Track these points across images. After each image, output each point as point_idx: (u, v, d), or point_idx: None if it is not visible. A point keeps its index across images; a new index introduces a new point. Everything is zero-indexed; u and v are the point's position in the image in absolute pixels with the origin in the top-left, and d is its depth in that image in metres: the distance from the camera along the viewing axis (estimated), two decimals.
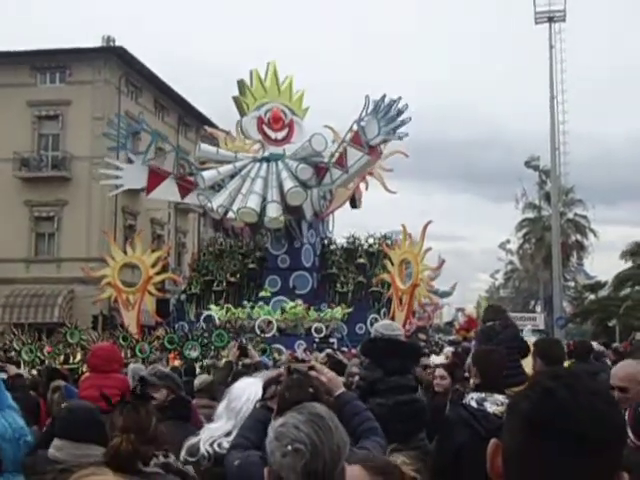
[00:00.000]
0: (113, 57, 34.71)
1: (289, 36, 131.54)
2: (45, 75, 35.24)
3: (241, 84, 25.71)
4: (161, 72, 37.92)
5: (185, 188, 25.61)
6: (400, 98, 22.65)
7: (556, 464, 1.18)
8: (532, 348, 5.44)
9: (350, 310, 24.47)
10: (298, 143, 25.26)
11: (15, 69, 34.22)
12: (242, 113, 25.70)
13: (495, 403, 4.08)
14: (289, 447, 2.05)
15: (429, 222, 23.12)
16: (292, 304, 23.96)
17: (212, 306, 24.68)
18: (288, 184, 23.97)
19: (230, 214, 24.35)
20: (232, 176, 25.08)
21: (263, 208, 24.02)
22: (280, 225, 24.56)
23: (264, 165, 25.08)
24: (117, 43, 35.11)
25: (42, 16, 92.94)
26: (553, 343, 6.11)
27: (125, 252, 25.34)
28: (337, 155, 24.16)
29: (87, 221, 33.16)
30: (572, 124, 40.70)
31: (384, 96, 22.69)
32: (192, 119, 42.15)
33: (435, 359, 11.02)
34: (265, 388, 3.45)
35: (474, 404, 4.34)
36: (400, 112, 22.47)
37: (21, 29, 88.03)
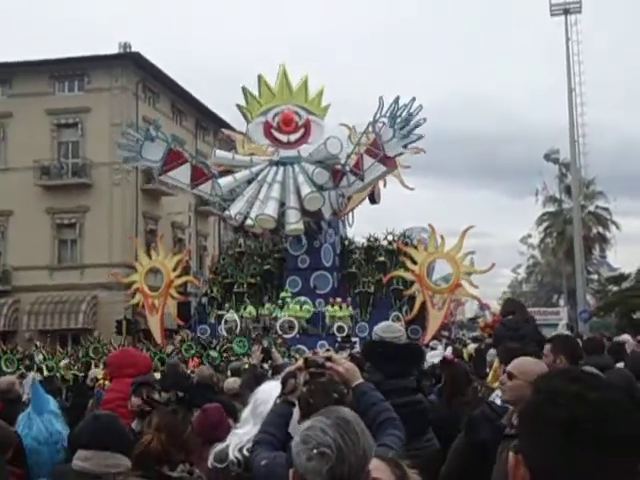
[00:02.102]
0: (130, 63, 34.95)
1: (303, 35, 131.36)
2: (63, 83, 35.55)
3: (245, 91, 25.71)
4: (178, 77, 38.17)
5: (198, 177, 25.38)
6: (414, 99, 22.72)
7: (595, 468, 1.15)
8: (552, 345, 5.20)
9: (352, 312, 24.54)
10: (316, 143, 25.24)
11: (34, 78, 34.57)
12: (247, 120, 25.80)
13: None
14: (315, 451, 2.04)
15: (470, 227, 23.40)
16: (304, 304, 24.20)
17: (227, 314, 24.75)
18: (305, 189, 23.95)
19: (248, 221, 24.36)
20: (249, 181, 25.07)
21: (282, 214, 24.10)
22: (300, 232, 24.70)
23: (280, 169, 25.05)
24: (133, 49, 35.39)
25: (59, 25, 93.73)
26: (575, 340, 6.07)
27: (150, 257, 25.55)
28: (353, 161, 24.26)
29: (109, 227, 33.43)
30: (591, 116, 40.62)
31: (398, 98, 22.79)
32: (209, 123, 42.32)
33: (432, 357, 10.97)
34: (284, 382, 3.45)
35: (498, 401, 4.35)
36: (411, 115, 22.63)
37: (39, 39, 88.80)
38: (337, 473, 2.04)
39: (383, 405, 3.38)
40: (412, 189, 27.55)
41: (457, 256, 23.09)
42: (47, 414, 4.89)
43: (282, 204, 24.29)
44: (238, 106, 25.92)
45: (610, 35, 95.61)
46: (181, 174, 25.47)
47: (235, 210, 24.22)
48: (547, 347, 5.18)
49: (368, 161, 23.56)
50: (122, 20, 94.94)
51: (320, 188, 24.11)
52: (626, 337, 13.10)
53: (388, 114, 22.85)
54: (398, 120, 22.66)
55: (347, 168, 24.19)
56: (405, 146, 23.23)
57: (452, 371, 7.18)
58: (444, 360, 8.20)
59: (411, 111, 22.62)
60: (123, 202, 32.47)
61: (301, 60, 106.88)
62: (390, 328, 4.56)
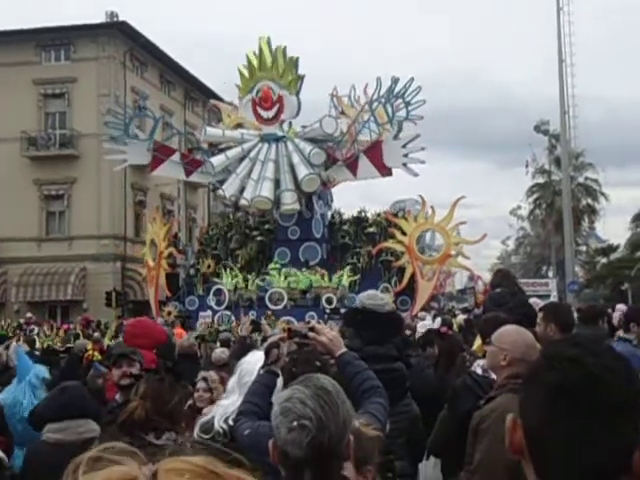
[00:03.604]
0: (117, 33, 34.52)
1: (293, 6, 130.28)
2: (50, 53, 35.12)
3: (239, 71, 25.51)
4: (166, 47, 37.75)
5: (190, 167, 25.53)
6: (412, 79, 22.78)
7: (589, 432, 1.14)
8: (542, 313, 5.18)
9: (356, 277, 24.50)
10: (289, 118, 25.14)
11: (19, 47, 34.09)
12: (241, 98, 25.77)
13: None
14: (295, 423, 2.05)
15: (461, 197, 23.34)
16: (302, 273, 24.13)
17: (223, 274, 24.69)
18: (302, 171, 23.88)
19: (243, 202, 24.33)
20: (241, 159, 24.95)
21: (278, 195, 24.13)
22: (296, 211, 24.72)
23: (272, 146, 24.87)
24: (120, 18, 34.94)
25: None
26: (567, 309, 6.04)
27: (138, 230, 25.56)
28: (348, 148, 24.30)
29: (97, 198, 33.23)
30: (581, 88, 40.50)
31: (397, 79, 22.83)
32: (198, 93, 41.97)
33: (422, 327, 11.03)
34: (267, 352, 3.44)
35: (479, 371, 4.35)
36: (404, 94, 22.72)
37: (24, 7, 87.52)
38: (317, 443, 2.04)
39: (367, 373, 3.39)
40: (417, 175, 25.00)
41: (447, 227, 23.04)
42: (24, 383, 4.91)
43: (277, 183, 24.25)
44: (238, 86, 25.85)
45: (600, 8, 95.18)
46: (172, 169, 25.60)
47: (230, 191, 24.17)
48: (539, 315, 5.15)
49: (364, 161, 23.72)
50: None
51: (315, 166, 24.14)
52: (622, 307, 13.13)
53: (386, 93, 22.95)
54: (394, 100, 22.76)
55: (341, 155, 24.26)
56: (405, 164, 23.23)
57: (447, 344, 7.22)
58: (439, 332, 8.22)
59: (410, 91, 22.72)
60: (111, 173, 32.17)
61: (294, 30, 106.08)
62: (373, 296, 4.54)
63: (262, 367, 3.44)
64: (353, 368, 3.39)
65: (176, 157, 25.53)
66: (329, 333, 3.51)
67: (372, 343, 4.17)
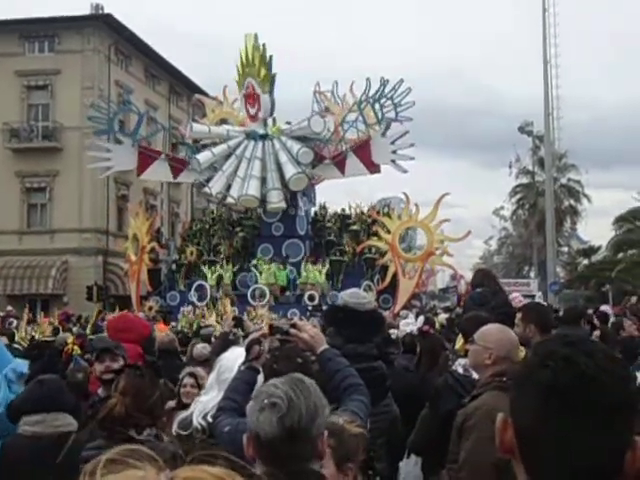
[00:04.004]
0: (102, 25, 34.27)
1: (279, 3, 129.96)
2: (34, 44, 34.79)
3: (237, 69, 25.54)
4: (151, 41, 37.51)
5: (177, 168, 25.45)
6: (402, 81, 22.89)
7: (581, 432, 1.13)
8: (522, 314, 5.10)
9: (325, 269, 24.57)
10: (264, 116, 25.25)
11: (3, 38, 33.76)
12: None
13: None
14: (265, 401, 2.09)
15: (445, 194, 23.33)
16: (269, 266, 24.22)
17: (206, 269, 24.67)
18: (289, 169, 23.90)
19: (229, 199, 24.33)
20: (227, 156, 24.88)
21: (264, 193, 24.13)
22: (282, 210, 24.75)
23: (259, 144, 24.87)
24: (105, 11, 34.67)
25: None
26: (547, 309, 6.02)
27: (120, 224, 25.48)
28: (336, 146, 24.39)
29: (79, 191, 32.98)
30: (566, 89, 40.63)
31: (386, 81, 22.96)
32: (183, 88, 41.76)
33: (405, 325, 11.02)
34: (248, 349, 3.42)
35: (460, 370, 4.35)
36: (393, 96, 22.86)
37: None
38: (287, 422, 2.07)
39: (348, 370, 3.38)
40: (406, 172, 24.89)
41: (431, 224, 23.04)
42: (0, 375, 4.87)
43: (264, 181, 24.26)
44: (236, 82, 25.89)
45: (586, 10, 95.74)
46: (159, 171, 25.55)
47: (216, 188, 24.15)
48: (518, 316, 5.09)
49: (352, 159, 23.78)
50: None
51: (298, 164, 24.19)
52: (606, 308, 13.23)
53: (376, 94, 23.12)
54: (384, 101, 22.90)
55: (328, 152, 24.34)
56: (393, 161, 23.31)
57: (428, 342, 7.20)
58: (420, 331, 8.22)
59: (399, 92, 22.88)
60: (91, 151, 32.04)
61: (278, 25, 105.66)
62: (355, 294, 4.52)
63: (243, 363, 3.42)
64: (334, 365, 3.39)
65: (162, 160, 25.40)
66: (310, 330, 3.50)
67: (353, 341, 4.15)
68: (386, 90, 23.06)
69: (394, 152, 23.20)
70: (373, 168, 23.89)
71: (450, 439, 3.64)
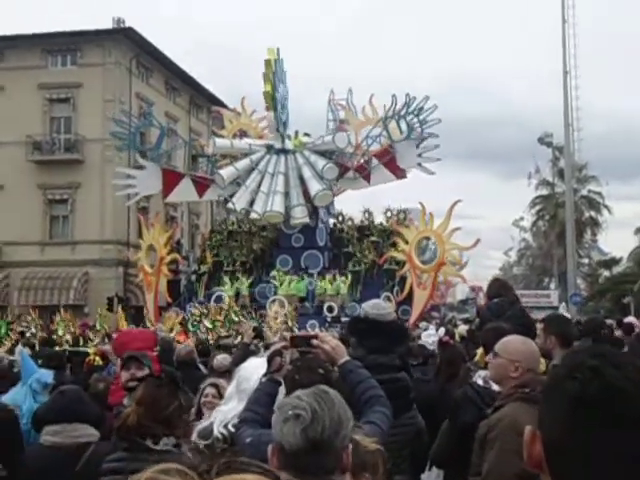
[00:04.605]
0: (123, 39, 34.62)
1: (292, 16, 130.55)
2: (56, 57, 35.22)
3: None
4: (172, 53, 37.85)
5: (202, 185, 25.51)
6: (428, 98, 22.95)
7: (607, 446, 1.11)
8: (543, 325, 5.15)
9: (348, 281, 24.54)
10: (281, 132, 25.28)
11: (26, 52, 34.21)
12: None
13: None
14: (290, 412, 2.10)
15: (457, 201, 23.19)
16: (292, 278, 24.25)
17: (226, 280, 24.77)
18: (314, 185, 23.95)
19: (253, 215, 24.39)
20: (249, 170, 24.94)
21: (288, 208, 24.23)
22: (305, 223, 24.83)
23: (281, 158, 24.92)
24: (127, 24, 35.05)
25: None
26: (568, 321, 5.97)
27: (141, 235, 25.66)
28: (359, 160, 24.46)
29: (100, 203, 33.25)
30: (586, 100, 40.49)
31: (411, 98, 23.09)
32: (203, 100, 42.02)
33: (427, 336, 10.97)
34: (270, 360, 3.43)
35: (480, 382, 4.33)
36: (420, 110, 22.97)
37: (31, 12, 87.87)
38: (311, 434, 2.08)
39: (370, 382, 3.38)
40: (433, 173, 24.74)
41: (443, 234, 22.91)
42: (25, 387, 4.92)
43: (287, 195, 24.37)
44: (264, 93, 26.02)
45: (606, 19, 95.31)
46: (184, 192, 25.64)
47: (240, 204, 24.20)
48: (540, 326, 5.10)
49: (378, 167, 23.86)
50: None
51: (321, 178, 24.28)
52: (632, 319, 13.08)
53: (401, 110, 23.17)
54: (410, 118, 22.99)
55: (351, 164, 24.37)
56: (419, 164, 23.36)
57: (449, 353, 7.19)
58: (440, 342, 8.20)
59: (424, 109, 23.00)
60: (115, 179, 32.35)
61: (290, 38, 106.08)
62: (377, 305, 4.52)
63: (264, 375, 3.44)
64: (356, 377, 3.38)
65: (186, 180, 25.48)
66: (332, 341, 3.50)
67: (375, 352, 4.15)
68: (412, 106, 23.10)
69: (420, 155, 23.26)
70: (400, 173, 23.91)
71: (471, 451, 3.63)
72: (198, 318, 17.31)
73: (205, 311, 17.96)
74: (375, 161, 24.01)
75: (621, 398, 1.12)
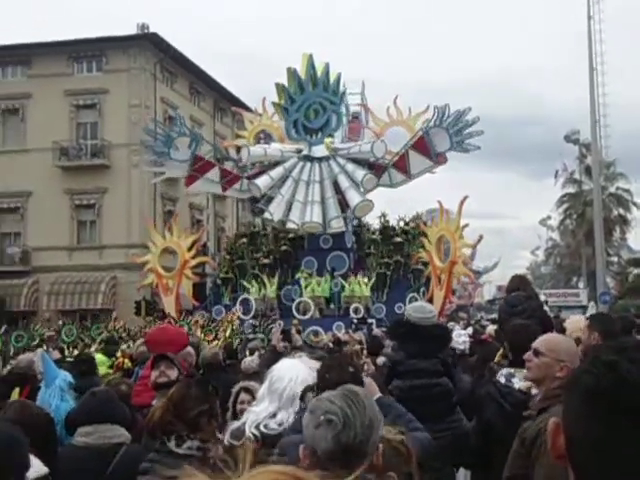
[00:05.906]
0: (148, 44, 34.88)
1: (309, 16, 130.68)
2: (82, 64, 35.59)
3: (278, 87, 25.60)
4: (196, 58, 38.07)
5: (230, 181, 25.65)
6: (470, 109, 22.93)
7: (621, 438, 1.12)
8: (588, 322, 5.45)
9: (371, 282, 24.49)
10: (339, 134, 25.32)
11: (53, 59, 34.64)
12: (285, 118, 25.86)
13: (523, 379, 4.02)
14: (322, 417, 2.11)
15: (465, 197, 23.07)
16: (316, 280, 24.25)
17: (252, 282, 24.81)
18: (354, 196, 23.91)
19: (291, 225, 24.42)
20: (283, 178, 24.97)
21: (326, 217, 24.36)
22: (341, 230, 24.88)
23: (315, 166, 24.88)
24: (151, 30, 35.32)
25: (77, 6, 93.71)
26: (612, 318, 6.08)
27: (164, 237, 25.68)
28: (397, 157, 24.40)
29: (127, 208, 33.53)
30: (613, 96, 40.02)
31: (447, 106, 23.27)
32: (227, 103, 42.21)
33: (457, 337, 10.88)
34: (302, 396, 3.49)
35: (502, 380, 4.30)
36: (466, 123, 23.04)
37: (58, 20, 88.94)
38: (343, 439, 2.09)
39: (406, 418, 3.37)
40: (478, 148, 24.59)
41: (455, 233, 22.79)
42: (53, 387, 4.97)
43: (323, 203, 24.45)
44: (274, 104, 26.02)
45: (632, 14, 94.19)
46: (208, 184, 25.84)
47: (277, 214, 24.23)
48: (585, 324, 5.41)
49: (415, 159, 23.79)
50: (140, 1, 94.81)
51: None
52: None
53: (440, 120, 23.21)
54: (453, 128, 23.07)
55: (390, 165, 24.35)
56: (459, 143, 23.42)
57: (485, 351, 7.15)
58: (479, 340, 8.16)
59: (467, 119, 23.04)
60: (141, 183, 32.53)
61: (310, 39, 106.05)
62: (420, 308, 4.49)
63: (298, 412, 3.46)
64: (392, 411, 3.38)
65: (215, 173, 25.65)
66: (364, 379, 3.48)
67: (415, 357, 4.12)
68: (452, 117, 23.14)
69: (458, 136, 23.25)
70: (440, 158, 23.83)
71: (491, 449, 3.56)
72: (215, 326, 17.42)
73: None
74: (412, 152, 23.91)
75: (634, 391, 1.13)
